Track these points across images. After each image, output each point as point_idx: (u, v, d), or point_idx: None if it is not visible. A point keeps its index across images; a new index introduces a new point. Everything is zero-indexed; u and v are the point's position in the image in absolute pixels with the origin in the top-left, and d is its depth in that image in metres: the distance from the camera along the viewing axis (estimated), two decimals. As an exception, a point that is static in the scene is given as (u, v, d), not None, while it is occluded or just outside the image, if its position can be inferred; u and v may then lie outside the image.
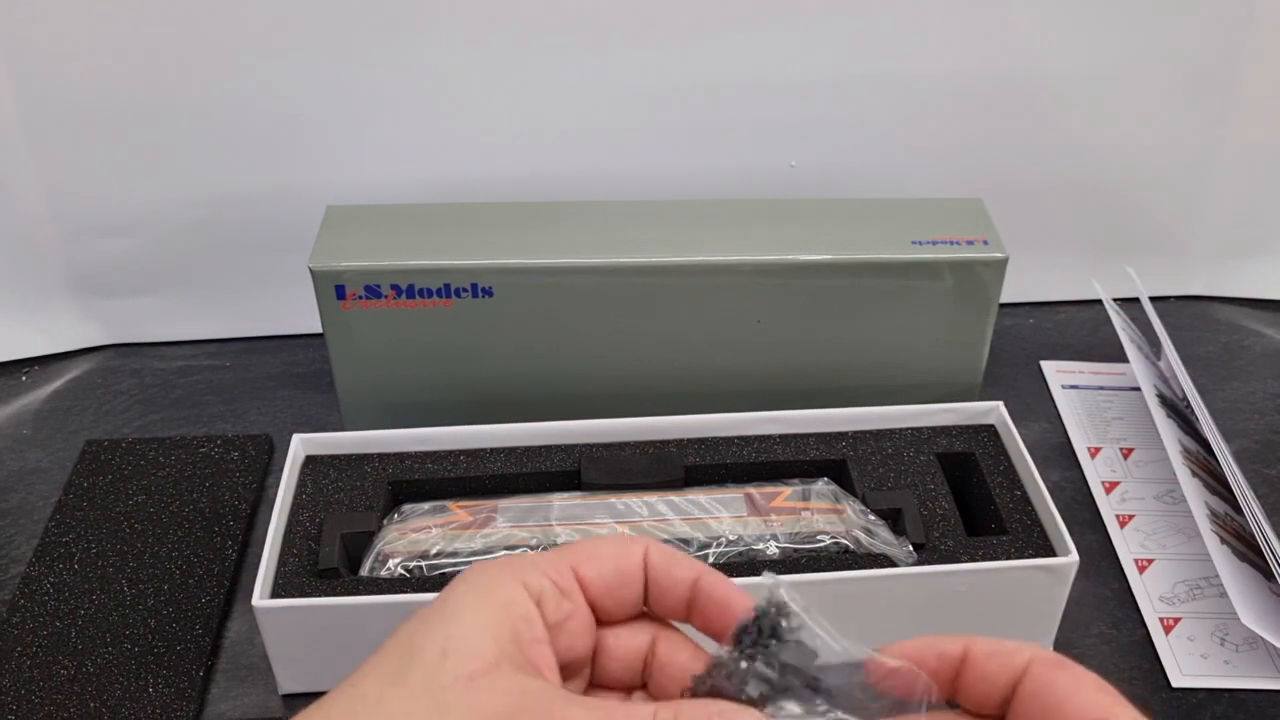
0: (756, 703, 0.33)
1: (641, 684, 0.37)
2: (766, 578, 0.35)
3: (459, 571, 0.52)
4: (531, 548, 0.53)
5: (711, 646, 0.35)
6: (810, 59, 0.71)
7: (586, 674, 0.37)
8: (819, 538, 0.55)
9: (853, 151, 0.75)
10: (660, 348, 0.65)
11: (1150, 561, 0.61)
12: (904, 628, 0.54)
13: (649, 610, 0.37)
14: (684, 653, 0.36)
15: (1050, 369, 0.76)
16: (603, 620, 0.36)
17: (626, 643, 0.37)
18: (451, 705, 0.31)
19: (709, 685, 0.33)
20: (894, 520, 0.56)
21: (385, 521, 0.56)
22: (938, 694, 0.34)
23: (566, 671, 0.36)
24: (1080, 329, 0.80)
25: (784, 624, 0.34)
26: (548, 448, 0.59)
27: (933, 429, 0.61)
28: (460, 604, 0.33)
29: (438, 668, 0.31)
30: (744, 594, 0.36)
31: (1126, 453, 0.69)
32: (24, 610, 0.57)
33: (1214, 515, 0.58)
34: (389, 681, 0.31)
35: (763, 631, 0.34)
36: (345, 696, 0.32)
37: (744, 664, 0.33)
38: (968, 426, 0.62)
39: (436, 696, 0.31)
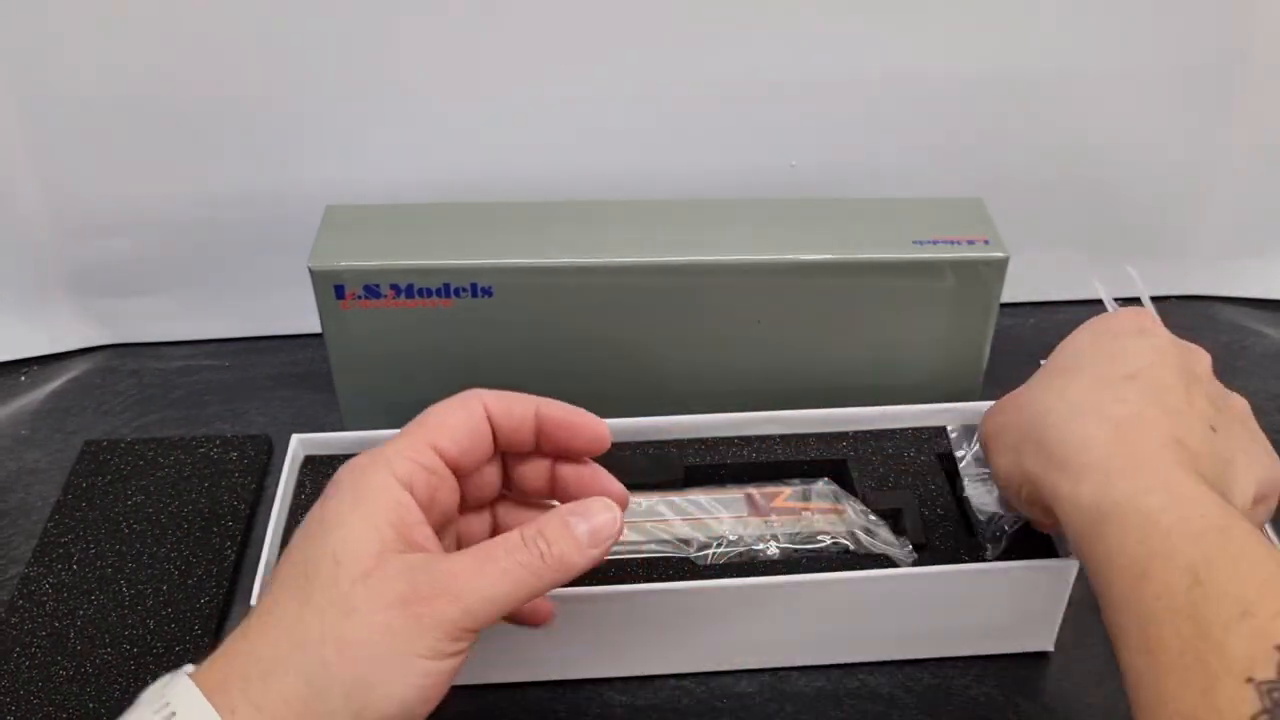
0: None
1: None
2: None
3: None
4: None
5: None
6: (810, 59, 0.71)
7: (455, 526, 0.44)
8: (819, 538, 0.54)
9: (853, 151, 0.75)
10: (660, 348, 0.65)
11: (1151, 562, 0.61)
12: (904, 628, 0.54)
13: (502, 452, 0.44)
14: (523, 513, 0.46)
15: (1051, 369, 0.76)
16: (461, 474, 0.42)
17: (475, 526, 0.45)
18: (355, 605, 0.35)
19: None
20: (894, 520, 0.55)
21: (384, 522, 0.55)
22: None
23: (440, 529, 0.41)
24: (1081, 329, 0.80)
25: None
26: (547, 448, 0.59)
27: (933, 429, 0.61)
28: (340, 515, 0.37)
29: (334, 577, 0.36)
30: (581, 412, 0.43)
31: (1127, 453, 0.69)
32: (22, 611, 0.56)
33: (1215, 515, 0.58)
34: (298, 602, 0.36)
35: None
36: (263, 624, 0.36)
37: None
38: (969, 426, 0.61)
39: (340, 603, 0.35)
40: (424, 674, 0.35)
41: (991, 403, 0.50)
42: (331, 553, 0.36)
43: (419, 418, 0.42)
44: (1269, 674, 0.31)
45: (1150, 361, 0.45)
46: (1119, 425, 0.41)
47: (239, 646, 0.36)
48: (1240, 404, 0.47)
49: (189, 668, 0.37)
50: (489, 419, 0.42)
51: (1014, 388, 0.50)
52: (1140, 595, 0.35)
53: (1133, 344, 0.46)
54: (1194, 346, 0.48)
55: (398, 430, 0.58)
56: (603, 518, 0.40)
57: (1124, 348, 0.46)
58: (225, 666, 0.36)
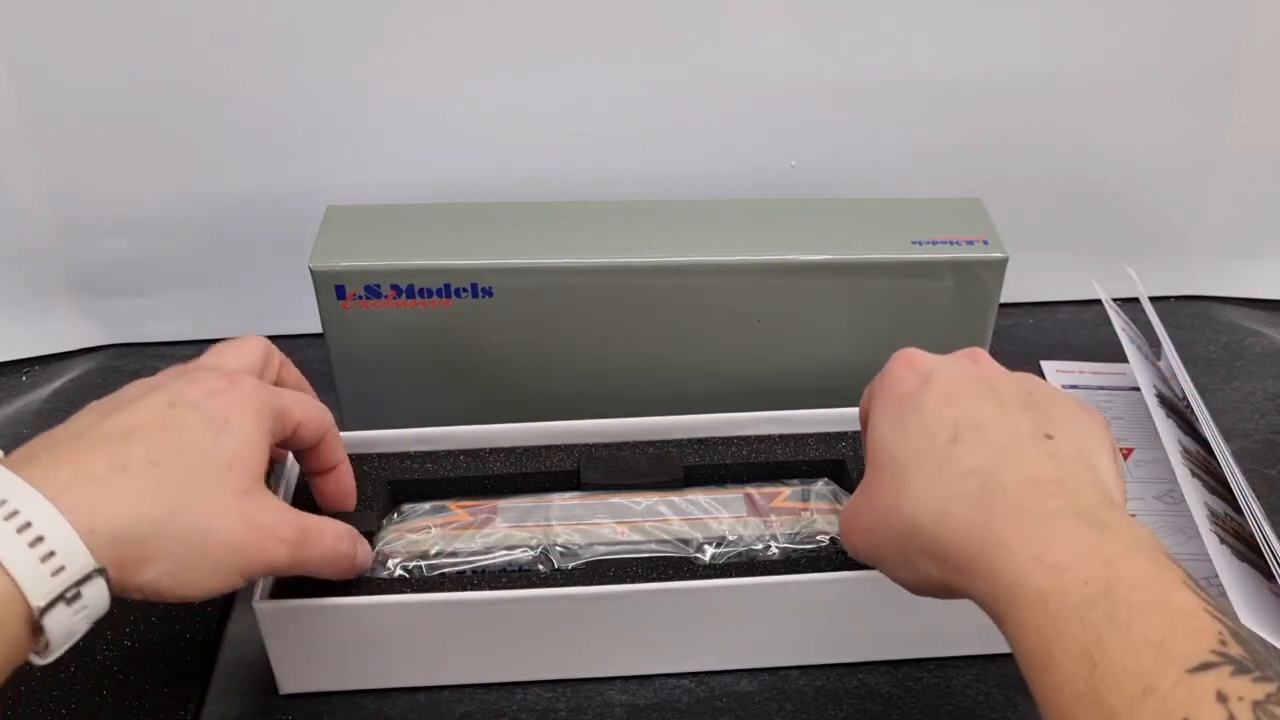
0: None
1: None
2: None
3: (459, 571, 0.52)
4: (531, 548, 0.53)
5: None
6: (810, 59, 0.71)
7: None
8: (819, 538, 0.55)
9: (853, 151, 0.75)
10: (660, 348, 0.65)
11: (1150, 561, 0.61)
12: (904, 628, 0.54)
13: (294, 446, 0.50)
14: None
15: (1050, 369, 0.76)
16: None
17: None
18: (228, 509, 0.42)
19: None
20: (894, 520, 0.55)
21: (385, 521, 0.56)
22: None
23: None
24: (1080, 329, 0.80)
25: None
26: (548, 448, 0.59)
27: (932, 429, 0.61)
28: (241, 426, 0.43)
29: (224, 479, 0.42)
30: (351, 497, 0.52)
31: (1126, 453, 0.69)
32: (24, 610, 0.56)
33: (1214, 515, 0.58)
34: (186, 482, 0.41)
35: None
36: (144, 474, 0.39)
37: None
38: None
39: (219, 501, 0.41)
40: (229, 586, 0.42)
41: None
42: (228, 458, 0.42)
43: (300, 408, 0.48)
44: None
45: (958, 409, 0.42)
46: (976, 503, 0.39)
47: (109, 477, 0.39)
48: (1033, 380, 0.45)
49: None
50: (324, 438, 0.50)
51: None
52: (1048, 684, 0.34)
53: (929, 404, 0.43)
54: (967, 354, 0.46)
55: (398, 430, 0.59)
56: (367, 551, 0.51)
57: (920, 414, 0.43)
58: (87, 493, 0.38)
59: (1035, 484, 0.39)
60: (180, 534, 0.40)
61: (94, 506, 0.38)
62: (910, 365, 0.46)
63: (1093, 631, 0.33)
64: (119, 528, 0.38)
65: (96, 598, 0.38)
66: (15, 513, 0.36)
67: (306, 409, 0.48)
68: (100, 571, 0.37)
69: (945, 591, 0.41)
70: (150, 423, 0.41)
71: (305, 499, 0.53)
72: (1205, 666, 0.32)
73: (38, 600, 0.36)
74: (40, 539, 0.36)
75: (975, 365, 0.46)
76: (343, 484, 0.52)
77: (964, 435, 0.41)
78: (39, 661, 0.38)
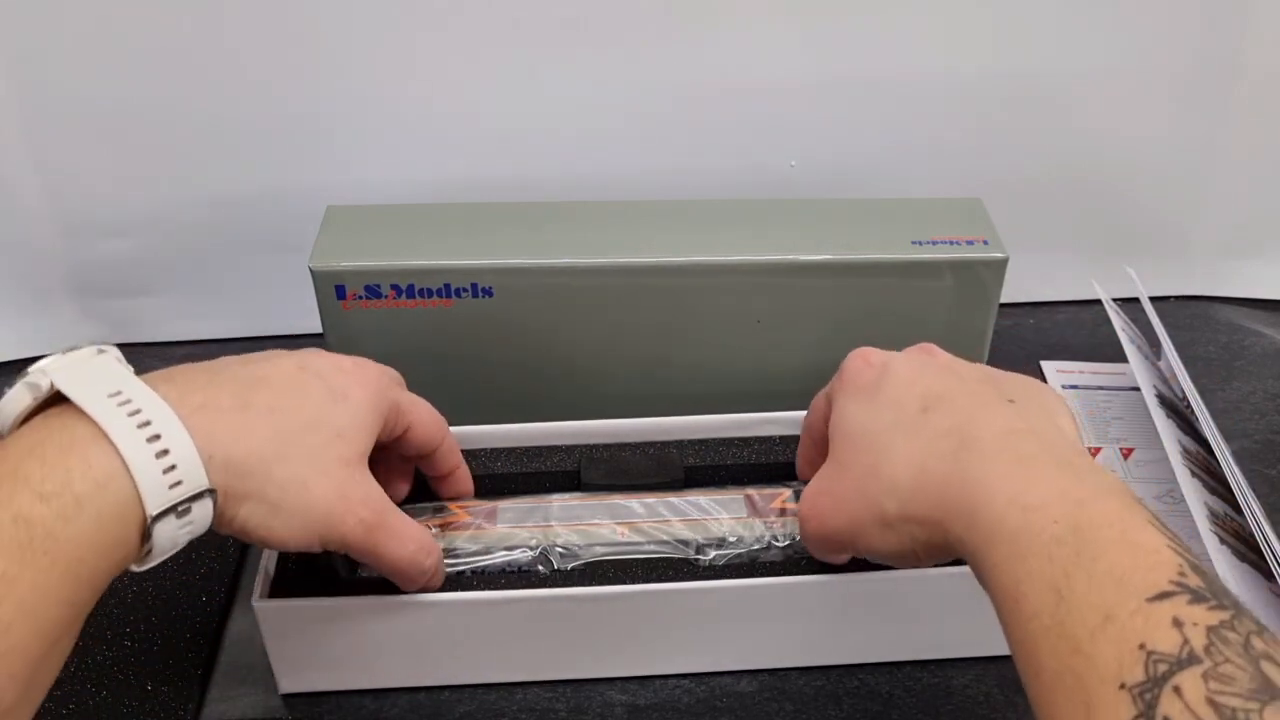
0: None
1: None
2: None
3: (458, 571, 0.52)
4: (531, 548, 0.53)
5: None
6: (810, 59, 0.71)
7: None
8: (819, 538, 0.55)
9: (853, 151, 0.75)
10: (660, 348, 0.65)
11: (1150, 562, 0.61)
12: (903, 628, 0.54)
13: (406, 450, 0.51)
14: None
15: (1050, 369, 0.76)
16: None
17: None
18: (329, 474, 0.44)
19: None
20: (894, 520, 0.55)
21: (385, 521, 0.56)
22: None
23: None
24: (1080, 329, 0.80)
25: None
26: (548, 448, 0.59)
27: (933, 429, 0.61)
28: (359, 404, 0.46)
29: (331, 444, 0.44)
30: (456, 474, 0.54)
31: (1126, 453, 0.69)
32: (24, 610, 0.56)
33: (1214, 515, 0.58)
34: (298, 441, 0.43)
35: None
36: (261, 421, 0.42)
37: None
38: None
39: (323, 464, 0.43)
40: (306, 545, 0.44)
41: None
42: (340, 427, 0.44)
43: (415, 407, 0.50)
44: (1138, 676, 0.31)
45: (922, 387, 0.45)
46: (954, 457, 0.41)
47: (233, 411, 0.42)
48: (988, 367, 0.48)
49: (115, 354, 0.44)
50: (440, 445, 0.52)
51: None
52: (1018, 619, 0.36)
53: (894, 387, 0.46)
54: (918, 349, 0.49)
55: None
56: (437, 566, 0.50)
57: (886, 394, 0.46)
58: (211, 420, 0.41)
59: (1009, 434, 0.41)
60: (280, 479, 0.42)
61: (215, 433, 0.40)
62: (867, 361, 0.48)
63: (1060, 567, 0.35)
64: (231, 457, 0.40)
65: (202, 516, 0.40)
66: (148, 423, 0.39)
67: (420, 413, 0.50)
68: (211, 492, 0.40)
69: (927, 551, 0.43)
70: (278, 377, 0.44)
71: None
72: (1163, 595, 0.33)
73: (153, 508, 0.38)
74: (166, 451, 0.38)
75: (930, 356, 0.48)
76: (459, 487, 0.55)
77: (933, 405, 0.44)
78: (137, 568, 0.40)
